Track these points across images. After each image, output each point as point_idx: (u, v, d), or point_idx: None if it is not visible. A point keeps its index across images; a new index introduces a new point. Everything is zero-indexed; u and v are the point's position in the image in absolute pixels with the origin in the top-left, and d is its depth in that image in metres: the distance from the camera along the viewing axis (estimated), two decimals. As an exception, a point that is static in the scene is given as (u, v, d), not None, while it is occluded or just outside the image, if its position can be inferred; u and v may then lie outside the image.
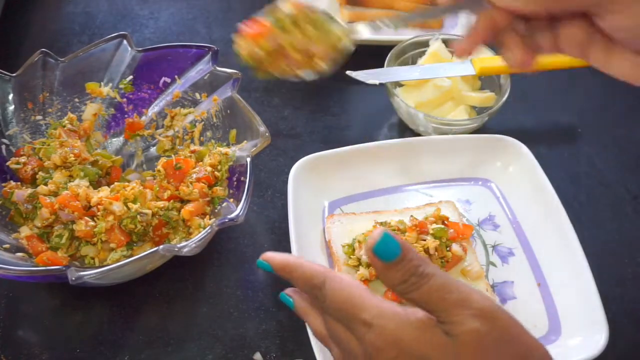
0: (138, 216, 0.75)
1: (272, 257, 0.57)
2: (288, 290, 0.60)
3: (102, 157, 0.84)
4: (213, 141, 0.85)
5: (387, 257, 0.48)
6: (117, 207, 0.75)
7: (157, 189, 0.79)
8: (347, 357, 0.53)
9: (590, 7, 0.51)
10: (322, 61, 0.66)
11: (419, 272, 0.48)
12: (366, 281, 0.74)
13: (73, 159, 0.81)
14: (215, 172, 0.80)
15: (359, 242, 0.77)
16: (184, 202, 0.80)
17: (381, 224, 0.79)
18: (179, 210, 0.78)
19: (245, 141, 0.81)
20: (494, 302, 0.48)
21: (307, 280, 0.55)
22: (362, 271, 0.75)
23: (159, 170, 0.80)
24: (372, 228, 0.78)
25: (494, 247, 0.83)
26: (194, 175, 0.79)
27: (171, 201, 0.79)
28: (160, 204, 0.77)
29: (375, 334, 0.49)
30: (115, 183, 0.80)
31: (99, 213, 0.75)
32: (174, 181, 0.80)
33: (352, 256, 0.77)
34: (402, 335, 0.48)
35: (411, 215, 0.79)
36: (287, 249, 0.77)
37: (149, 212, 0.75)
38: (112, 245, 0.75)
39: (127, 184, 0.79)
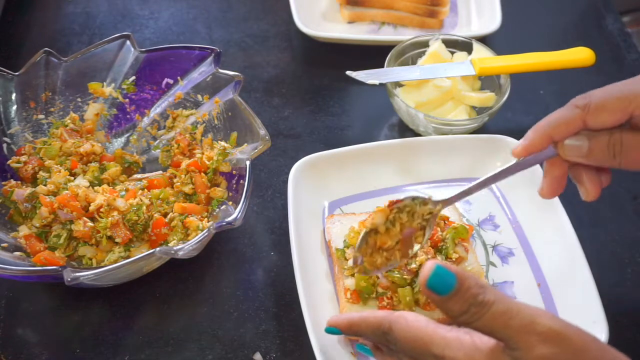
0: (144, 207, 0.76)
1: (336, 320, 0.60)
2: (362, 340, 0.63)
3: (126, 156, 0.86)
4: (211, 138, 0.86)
5: (443, 291, 0.48)
6: (121, 202, 0.76)
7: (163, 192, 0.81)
8: None
9: None
10: (415, 243, 0.68)
11: (479, 301, 0.47)
12: (355, 292, 0.73)
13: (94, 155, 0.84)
14: (204, 159, 0.81)
15: (348, 246, 0.77)
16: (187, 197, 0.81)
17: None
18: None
19: (245, 144, 0.81)
20: (561, 321, 0.47)
21: (375, 329, 0.57)
22: (348, 282, 0.74)
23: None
24: (358, 226, 0.78)
25: (494, 247, 0.83)
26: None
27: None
28: (157, 191, 0.79)
29: None
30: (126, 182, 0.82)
31: (101, 210, 0.75)
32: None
33: (345, 260, 0.77)
34: None
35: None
36: (287, 249, 0.77)
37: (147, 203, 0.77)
38: (118, 240, 0.75)
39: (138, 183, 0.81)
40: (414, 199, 0.67)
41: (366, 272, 0.70)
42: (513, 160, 0.65)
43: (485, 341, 0.49)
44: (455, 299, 0.48)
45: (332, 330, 0.63)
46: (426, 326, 0.52)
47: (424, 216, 0.68)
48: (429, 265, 0.48)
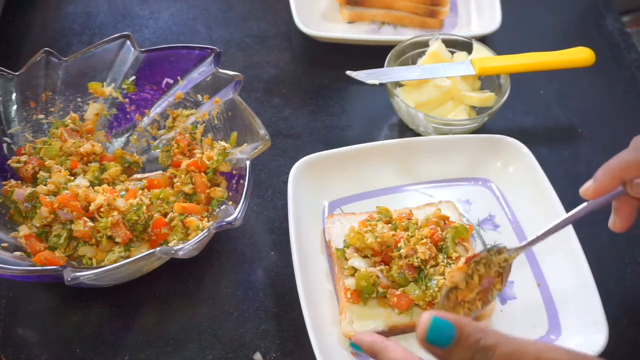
0: (144, 206, 0.76)
1: (360, 338, 0.57)
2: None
3: (126, 155, 0.86)
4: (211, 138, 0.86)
5: (443, 343, 0.47)
6: (121, 202, 0.76)
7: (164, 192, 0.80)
8: None
9: None
10: (495, 290, 0.68)
11: (482, 346, 0.46)
12: (355, 292, 0.73)
13: (95, 155, 0.83)
14: (204, 159, 0.81)
15: (348, 246, 0.77)
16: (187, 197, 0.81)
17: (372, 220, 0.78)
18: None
19: (245, 144, 0.81)
20: (565, 351, 0.47)
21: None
22: (348, 282, 0.74)
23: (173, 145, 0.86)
24: (359, 225, 0.78)
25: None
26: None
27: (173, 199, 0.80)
28: (157, 191, 0.79)
29: None
30: (127, 182, 0.82)
31: (101, 210, 0.75)
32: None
33: (345, 260, 0.77)
34: None
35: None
36: (287, 249, 0.77)
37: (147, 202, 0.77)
38: (118, 240, 0.75)
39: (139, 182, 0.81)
40: (489, 250, 0.66)
41: None
42: (584, 203, 0.67)
43: None
44: (458, 348, 0.47)
45: (356, 346, 0.59)
46: None
47: (501, 264, 0.68)
48: (425, 318, 0.47)
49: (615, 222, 0.69)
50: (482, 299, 0.68)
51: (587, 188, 0.66)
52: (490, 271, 0.67)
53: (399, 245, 0.75)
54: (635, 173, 0.63)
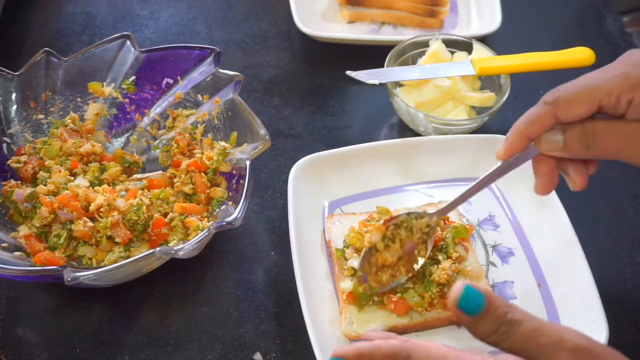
0: (144, 206, 0.76)
1: (343, 351, 0.53)
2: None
3: (126, 156, 0.86)
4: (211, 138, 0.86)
5: (473, 311, 0.48)
6: (121, 202, 0.76)
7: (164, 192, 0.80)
8: None
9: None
10: (419, 257, 0.69)
11: (508, 320, 0.47)
12: (350, 294, 0.73)
13: (94, 155, 0.83)
14: (204, 159, 0.81)
15: (348, 246, 0.77)
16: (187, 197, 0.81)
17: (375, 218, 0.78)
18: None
19: (245, 144, 0.81)
20: (586, 337, 0.48)
21: (389, 357, 0.52)
22: (343, 285, 0.74)
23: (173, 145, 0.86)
24: (361, 225, 0.78)
25: (494, 247, 0.83)
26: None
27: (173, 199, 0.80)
28: (157, 191, 0.79)
29: None
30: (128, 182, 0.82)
31: (101, 210, 0.75)
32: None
33: (345, 260, 0.77)
34: None
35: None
36: (287, 249, 0.77)
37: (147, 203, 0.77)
38: (118, 240, 0.75)
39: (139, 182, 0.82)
40: (408, 214, 0.67)
41: (372, 290, 0.70)
42: (499, 163, 0.66)
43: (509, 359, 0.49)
44: (486, 318, 0.48)
45: None
46: (447, 352, 0.50)
47: (423, 230, 0.68)
48: (459, 285, 0.48)
49: (536, 184, 0.67)
50: (406, 265, 0.69)
51: (499, 150, 0.66)
52: (413, 236, 0.68)
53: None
54: (540, 130, 0.62)
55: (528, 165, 0.87)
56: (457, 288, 0.48)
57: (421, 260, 0.70)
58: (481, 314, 0.47)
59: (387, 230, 0.67)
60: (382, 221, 0.68)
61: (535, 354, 0.47)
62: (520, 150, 0.64)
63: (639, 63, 0.59)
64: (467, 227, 0.78)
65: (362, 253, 0.68)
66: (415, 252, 0.70)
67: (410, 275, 0.70)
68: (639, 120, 0.59)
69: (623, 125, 0.59)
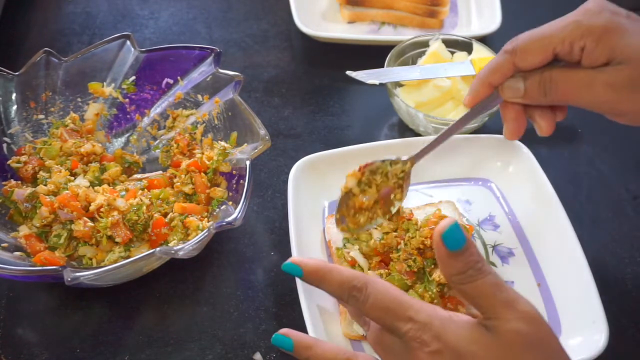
0: (144, 206, 0.76)
1: (303, 260, 0.54)
2: (284, 331, 0.58)
3: (126, 156, 0.87)
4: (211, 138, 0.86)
5: (453, 246, 0.50)
6: (121, 202, 0.76)
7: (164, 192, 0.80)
8: (387, 357, 0.54)
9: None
10: (395, 201, 0.72)
11: (478, 267, 0.50)
12: None
13: (95, 156, 0.84)
14: (204, 159, 0.81)
15: (346, 242, 0.78)
16: (187, 197, 0.81)
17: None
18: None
19: (245, 144, 0.81)
20: (539, 312, 0.50)
21: (346, 282, 0.53)
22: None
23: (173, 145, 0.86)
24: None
25: (494, 247, 0.83)
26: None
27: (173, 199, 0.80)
28: (157, 191, 0.79)
29: (419, 329, 0.50)
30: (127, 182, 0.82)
31: (101, 210, 0.75)
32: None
33: (345, 260, 0.77)
34: (447, 331, 0.50)
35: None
36: (287, 248, 0.77)
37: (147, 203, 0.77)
38: (118, 239, 0.75)
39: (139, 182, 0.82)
40: (383, 160, 0.70)
41: (350, 230, 0.73)
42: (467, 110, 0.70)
43: (462, 317, 0.51)
44: (460, 258, 0.50)
45: (291, 268, 0.54)
46: (403, 294, 0.53)
47: (398, 175, 0.71)
48: (448, 220, 0.50)
49: (505, 130, 0.69)
50: (382, 208, 0.72)
51: (465, 97, 0.69)
52: (389, 182, 0.71)
53: (399, 247, 0.75)
54: (501, 78, 0.65)
55: (527, 165, 0.87)
56: (447, 221, 0.50)
57: (397, 204, 0.72)
58: (458, 252, 0.50)
59: (362, 176, 0.70)
60: (357, 168, 0.70)
61: (488, 304, 0.49)
62: (484, 97, 0.68)
63: (591, 11, 0.62)
64: (467, 227, 0.78)
65: (339, 197, 0.71)
66: (392, 196, 0.72)
67: (387, 217, 0.73)
68: (592, 67, 0.61)
69: (576, 72, 0.62)
